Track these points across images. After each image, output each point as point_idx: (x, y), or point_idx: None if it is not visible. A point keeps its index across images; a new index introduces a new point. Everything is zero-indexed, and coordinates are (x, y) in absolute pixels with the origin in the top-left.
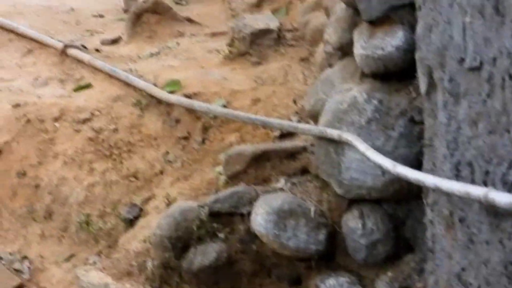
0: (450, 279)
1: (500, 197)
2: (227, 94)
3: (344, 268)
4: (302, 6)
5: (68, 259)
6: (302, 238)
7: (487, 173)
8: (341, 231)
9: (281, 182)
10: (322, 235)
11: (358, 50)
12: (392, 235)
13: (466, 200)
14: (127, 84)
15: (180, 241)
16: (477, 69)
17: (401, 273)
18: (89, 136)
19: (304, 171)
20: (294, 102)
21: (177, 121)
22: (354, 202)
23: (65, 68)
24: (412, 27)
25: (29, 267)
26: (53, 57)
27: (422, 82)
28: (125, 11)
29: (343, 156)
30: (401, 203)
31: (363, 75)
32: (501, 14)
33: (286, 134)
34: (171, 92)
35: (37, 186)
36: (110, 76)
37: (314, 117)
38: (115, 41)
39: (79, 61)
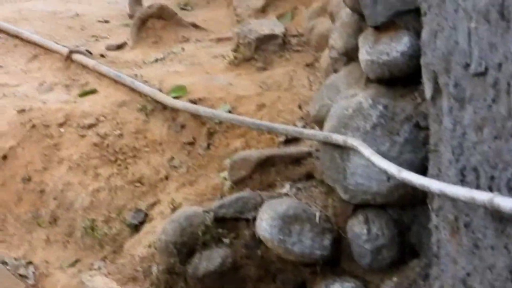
0: (455, 284)
1: (505, 202)
2: (232, 99)
3: (349, 273)
4: (308, 12)
5: (73, 264)
6: (307, 243)
7: (492, 178)
8: (346, 236)
9: (286, 188)
10: (327, 240)
11: (363, 55)
12: (397, 240)
13: (471, 206)
14: (132, 90)
15: (185, 247)
16: (482, 74)
17: (406, 279)
18: (94, 141)
19: (309, 176)
20: (299, 107)
21: (182, 126)
22: (359, 207)
23: (70, 74)
24: (417, 33)
25: (34, 273)
26: (58, 63)
27: (427, 88)
28: (130, 16)
29: (348, 162)
30: (406, 208)
31: (368, 81)
32: (506, 20)
33: (291, 140)
34: (176, 97)
35: (42, 192)
36: (115, 81)
37: (319, 122)
38: (120, 47)
39: (84, 67)
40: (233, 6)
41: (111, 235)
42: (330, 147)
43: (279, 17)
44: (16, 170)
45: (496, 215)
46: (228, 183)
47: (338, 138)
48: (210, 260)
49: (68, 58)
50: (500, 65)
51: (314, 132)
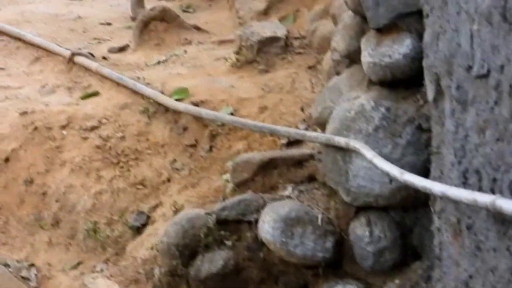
0: (458, 287)
1: (508, 205)
2: (234, 102)
3: (351, 276)
4: (310, 14)
5: (75, 266)
6: (309, 246)
7: (494, 180)
8: (348, 238)
9: (289, 190)
10: (329, 243)
11: (366, 57)
12: (399, 242)
13: (473, 208)
14: (135, 92)
15: (188, 249)
16: (484, 76)
17: (408, 281)
18: (96, 143)
19: (312, 178)
20: (302, 109)
21: (185, 128)
22: (361, 209)
23: (72, 76)
24: (419, 35)
25: (36, 275)
26: (60, 65)
27: (430, 90)
28: (133, 19)
29: (351, 164)
30: (408, 210)
31: (371, 83)
32: (509, 22)
33: (294, 142)
34: (179, 99)
35: (44, 194)
36: (118, 84)
37: (322, 124)
38: (122, 49)
39: (87, 69)
40: (235, 8)
41: (113, 238)
42: (332, 149)
43: (281, 19)
44: (18, 172)
45: (498, 217)
46: (230, 185)
47: (340, 140)
48: (212, 262)
49: (71, 60)
50: (502, 67)
51: (316, 134)
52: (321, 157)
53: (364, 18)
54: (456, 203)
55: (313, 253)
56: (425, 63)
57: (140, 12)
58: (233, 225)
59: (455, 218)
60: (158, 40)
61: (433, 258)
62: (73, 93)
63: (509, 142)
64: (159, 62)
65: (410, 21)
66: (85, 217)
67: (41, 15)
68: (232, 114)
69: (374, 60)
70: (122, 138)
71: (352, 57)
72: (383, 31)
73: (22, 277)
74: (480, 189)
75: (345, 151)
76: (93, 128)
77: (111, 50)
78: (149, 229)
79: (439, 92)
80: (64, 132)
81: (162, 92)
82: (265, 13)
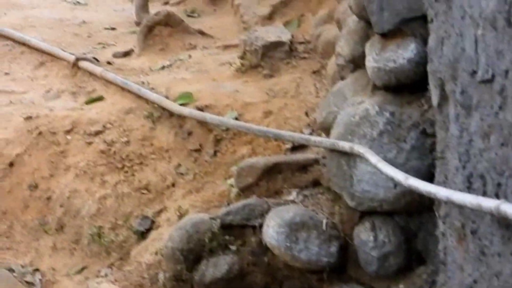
0: None
1: None
2: (239, 106)
3: (355, 280)
4: (314, 19)
5: (80, 271)
6: (314, 250)
7: (499, 185)
8: (352, 243)
9: (293, 195)
10: (333, 247)
11: (370, 62)
12: (404, 247)
13: (478, 212)
14: (139, 97)
15: (192, 254)
16: (489, 81)
17: (413, 285)
18: (101, 148)
19: (316, 183)
20: (306, 114)
21: (189, 133)
22: (366, 214)
23: (76, 81)
24: (424, 40)
25: (40, 280)
26: (65, 70)
27: (434, 95)
28: (137, 23)
29: (355, 169)
30: (413, 215)
31: (375, 88)
32: None
33: (298, 147)
34: (183, 104)
35: (48, 199)
36: (122, 88)
37: (326, 129)
38: (127, 54)
39: (91, 74)
40: (240, 13)
41: (118, 242)
42: (337, 154)
43: (286, 24)
44: (23, 177)
45: (503, 222)
46: (234, 190)
47: (345, 145)
48: (216, 267)
49: (75, 65)
50: (507, 72)
51: (321, 139)
52: (325, 162)
53: (368, 23)
54: (460, 207)
55: (318, 258)
56: (429, 68)
57: (144, 17)
58: (238, 230)
59: (459, 223)
60: (163, 45)
61: (437, 263)
62: (77, 98)
63: None
64: (163, 67)
65: (414, 26)
66: (90, 221)
67: (46, 20)
68: (236, 118)
69: (378, 65)
70: (127, 142)
71: (357, 62)
72: (387, 36)
73: (27, 282)
74: (484, 194)
75: (350, 156)
76: (97, 133)
77: (116, 55)
78: (153, 234)
79: (443, 97)
80: (69, 137)
81: (167, 97)
82: (269, 17)
